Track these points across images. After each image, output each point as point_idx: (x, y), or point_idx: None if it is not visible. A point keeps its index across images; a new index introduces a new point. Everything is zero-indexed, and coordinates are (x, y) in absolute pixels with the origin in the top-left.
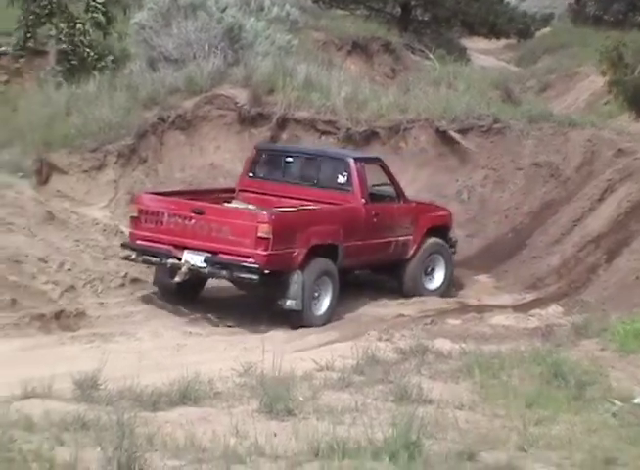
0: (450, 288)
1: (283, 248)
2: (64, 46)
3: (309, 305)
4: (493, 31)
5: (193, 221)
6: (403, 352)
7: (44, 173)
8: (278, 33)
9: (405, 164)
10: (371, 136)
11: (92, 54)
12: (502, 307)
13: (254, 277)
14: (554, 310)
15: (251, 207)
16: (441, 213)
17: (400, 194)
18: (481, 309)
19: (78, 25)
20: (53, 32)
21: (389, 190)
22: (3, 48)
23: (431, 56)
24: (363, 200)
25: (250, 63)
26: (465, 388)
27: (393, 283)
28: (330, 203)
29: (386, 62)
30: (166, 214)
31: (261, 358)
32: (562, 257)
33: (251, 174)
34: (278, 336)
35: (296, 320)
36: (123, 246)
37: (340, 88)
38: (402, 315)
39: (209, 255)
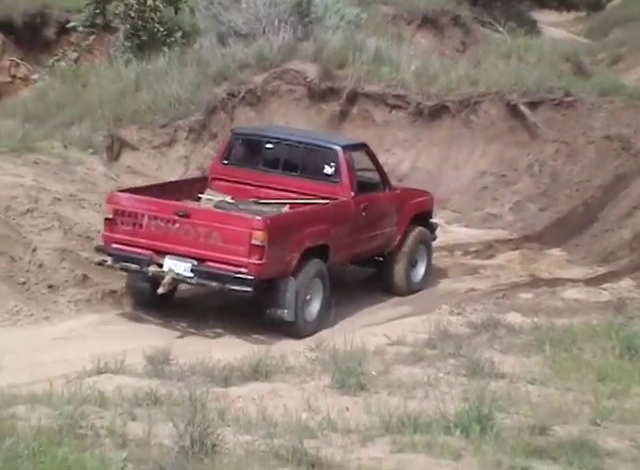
0: (428, 278)
1: (277, 255)
2: (133, 22)
3: (301, 314)
4: (563, 4)
5: (177, 225)
6: (475, 326)
7: (115, 149)
8: (347, 7)
9: (475, 139)
10: (441, 110)
11: (162, 30)
12: (574, 281)
13: (248, 289)
14: (626, 284)
15: (228, 199)
16: (424, 198)
17: (386, 182)
18: (553, 283)
19: (148, 1)
20: (123, 8)
21: (374, 176)
22: (73, 24)
23: (501, 29)
24: (352, 193)
25: (319, 37)
26: (537, 362)
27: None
28: (315, 195)
29: (455, 35)
30: (146, 217)
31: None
32: (633, 230)
33: (225, 161)
34: (349, 311)
35: (286, 330)
36: (98, 250)
37: (409, 62)
38: (474, 289)
39: (197, 263)
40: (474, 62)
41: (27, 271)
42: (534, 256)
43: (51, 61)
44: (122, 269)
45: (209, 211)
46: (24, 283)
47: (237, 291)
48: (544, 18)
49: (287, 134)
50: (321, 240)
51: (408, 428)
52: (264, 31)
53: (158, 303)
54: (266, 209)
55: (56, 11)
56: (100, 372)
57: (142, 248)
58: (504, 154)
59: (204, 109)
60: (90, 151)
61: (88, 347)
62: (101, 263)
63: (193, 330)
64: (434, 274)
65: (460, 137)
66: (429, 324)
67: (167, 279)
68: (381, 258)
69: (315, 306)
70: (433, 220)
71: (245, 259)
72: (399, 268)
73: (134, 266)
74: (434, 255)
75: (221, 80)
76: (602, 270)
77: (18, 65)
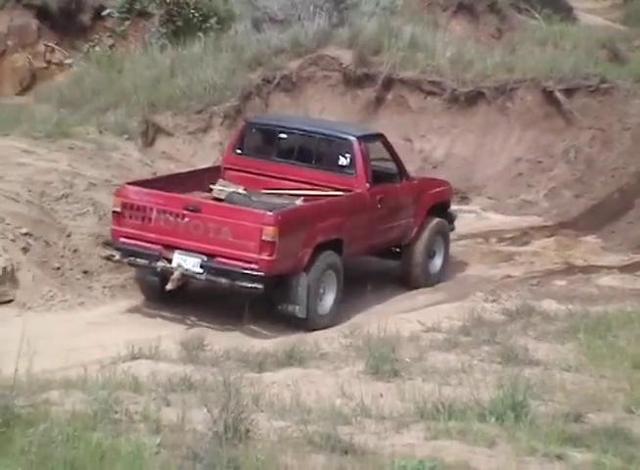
0: (446, 271)
1: (289, 250)
2: (169, 8)
3: (314, 308)
4: None
5: (187, 220)
6: (509, 313)
7: (150, 135)
8: None
9: (511, 125)
10: (477, 97)
11: (197, 15)
12: (609, 268)
13: (259, 286)
14: None
15: (240, 190)
16: (442, 188)
17: (403, 172)
18: (588, 270)
19: None
20: None
21: (391, 167)
22: (108, 10)
23: (537, 15)
24: (367, 184)
25: (355, 23)
26: (571, 349)
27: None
28: (329, 187)
29: (491, 22)
30: (155, 210)
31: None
32: None
33: (238, 151)
34: (384, 297)
35: (298, 325)
36: (105, 244)
37: (445, 49)
38: (509, 276)
39: (206, 259)
40: (509, 48)
41: (62, 257)
42: (569, 242)
43: (86, 46)
44: (130, 264)
45: (220, 206)
46: (59, 268)
47: (247, 288)
48: (580, 4)
49: (301, 124)
50: (335, 234)
51: (442, 415)
52: (299, 17)
53: (168, 297)
54: (279, 200)
55: None
56: (134, 358)
57: (151, 242)
58: (540, 140)
59: (238, 95)
60: (125, 136)
61: (122, 332)
62: (108, 258)
63: (221, 320)
64: (469, 261)
65: (495, 124)
66: (463, 311)
67: (176, 275)
68: (397, 249)
69: (329, 300)
70: (451, 210)
71: (255, 256)
72: (416, 260)
73: (142, 261)
74: (468, 242)
75: (256, 66)
76: (637, 257)
77: (53, 50)
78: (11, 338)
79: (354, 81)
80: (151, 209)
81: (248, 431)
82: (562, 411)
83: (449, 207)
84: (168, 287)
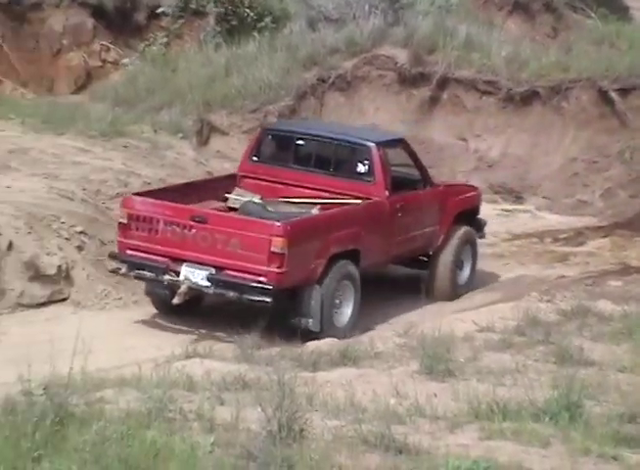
0: (474, 281)
1: (300, 262)
2: (224, 7)
3: (329, 320)
4: None
5: (194, 231)
6: (564, 313)
7: (204, 134)
8: None
9: (566, 125)
10: (532, 96)
11: (252, 14)
12: None
13: (267, 300)
14: None
15: (255, 199)
16: (470, 195)
17: (426, 179)
18: None
19: None
20: None
21: (413, 173)
22: (163, 9)
23: (592, 15)
24: (387, 192)
25: (410, 22)
26: (626, 350)
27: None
28: (348, 194)
29: (547, 21)
30: (162, 222)
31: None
32: None
33: (255, 158)
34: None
35: (313, 338)
36: (111, 257)
37: (500, 48)
38: (564, 276)
39: (214, 271)
40: (565, 48)
41: None
42: (624, 243)
43: (142, 45)
44: (137, 278)
45: (227, 217)
46: None
47: (255, 301)
48: (637, 4)
49: (318, 130)
50: (351, 244)
51: (497, 415)
52: (354, 16)
53: (180, 310)
54: (295, 209)
55: None
56: (189, 356)
57: (157, 255)
58: (595, 140)
59: (293, 94)
60: (180, 135)
61: (177, 331)
62: (114, 271)
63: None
64: (524, 261)
65: (551, 123)
66: (518, 311)
67: (183, 288)
68: (424, 259)
69: (346, 311)
70: (480, 217)
71: (264, 268)
72: (443, 270)
73: (149, 275)
74: (523, 242)
75: (311, 65)
76: None
77: (108, 49)
78: (66, 336)
79: (409, 81)
80: (157, 220)
81: (302, 430)
82: (617, 412)
83: (478, 213)
84: (175, 301)
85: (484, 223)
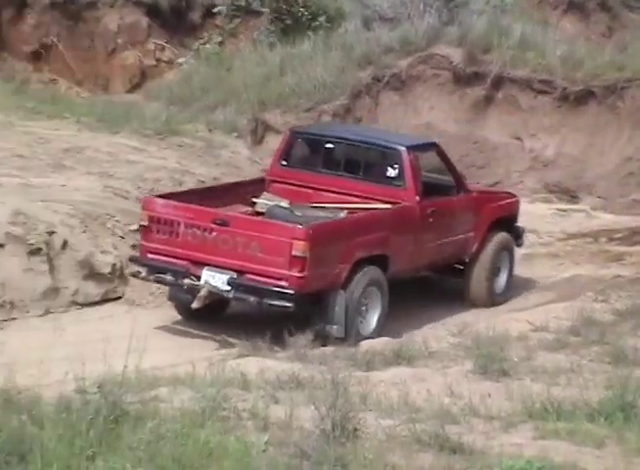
0: (511, 289)
1: (323, 267)
2: (278, 6)
3: (355, 327)
4: None
5: (214, 234)
6: (619, 313)
7: (259, 133)
8: None
9: (621, 125)
10: (587, 96)
11: (306, 13)
12: None
13: (288, 305)
14: None
15: (283, 203)
16: (507, 202)
17: (460, 184)
18: None
19: None
20: None
21: (446, 178)
22: (219, 8)
23: None
24: (417, 197)
25: (464, 21)
26: None
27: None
28: (378, 199)
29: (602, 20)
30: (182, 224)
31: None
32: None
33: (284, 162)
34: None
35: (337, 343)
36: (132, 261)
37: (555, 47)
38: (619, 276)
39: (234, 276)
40: (620, 47)
41: None
42: None
43: (196, 44)
44: (156, 282)
45: (248, 219)
46: None
47: (276, 306)
48: None
49: (348, 133)
50: (378, 249)
51: (551, 415)
52: (409, 15)
53: (203, 316)
54: (323, 214)
55: None
56: (243, 355)
57: (178, 258)
58: None
59: (348, 93)
60: (234, 134)
61: (231, 330)
62: (134, 275)
63: None
64: (578, 261)
65: (606, 123)
66: (572, 311)
67: (203, 293)
68: (461, 267)
69: (373, 318)
70: (518, 225)
71: (285, 272)
72: (478, 278)
73: (169, 278)
74: (578, 241)
75: (366, 64)
76: None
77: (163, 48)
78: (120, 335)
79: (464, 80)
80: (178, 222)
81: (355, 429)
82: None
83: (516, 221)
84: (194, 305)
85: (523, 231)
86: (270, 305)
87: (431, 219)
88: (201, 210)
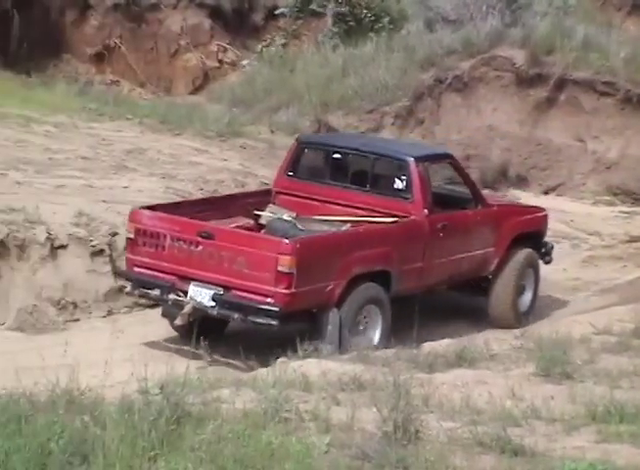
0: (535, 307)
1: (313, 283)
2: (341, 8)
3: (350, 347)
4: None
5: (200, 247)
6: None
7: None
8: None
9: None
10: None
11: (369, 15)
12: None
13: (273, 323)
14: None
15: (285, 216)
16: (532, 216)
17: (477, 197)
18: None
19: None
20: None
21: (462, 191)
22: (281, 10)
23: None
24: (426, 210)
25: (527, 23)
26: None
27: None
28: (385, 212)
29: None
30: (168, 237)
31: None
32: None
33: (290, 173)
34: (555, 299)
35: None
36: (117, 274)
37: (619, 49)
38: None
39: (219, 291)
40: None
41: None
42: None
43: (260, 46)
44: (141, 297)
45: (234, 232)
46: None
47: (260, 324)
48: None
49: (355, 143)
50: (378, 265)
51: (614, 418)
52: (472, 17)
53: (202, 333)
54: (327, 227)
55: None
56: (305, 356)
57: (164, 273)
58: None
59: (410, 95)
60: (297, 136)
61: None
62: (120, 289)
63: None
64: None
65: None
66: (635, 313)
67: (187, 309)
68: (484, 284)
69: (372, 338)
70: (546, 241)
71: (271, 288)
72: (501, 296)
73: (154, 294)
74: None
75: (428, 66)
76: None
77: (225, 50)
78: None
79: (526, 82)
80: (164, 235)
81: (417, 431)
82: None
83: (543, 236)
84: (177, 322)
85: (551, 247)
86: (254, 322)
87: (441, 234)
88: (186, 222)
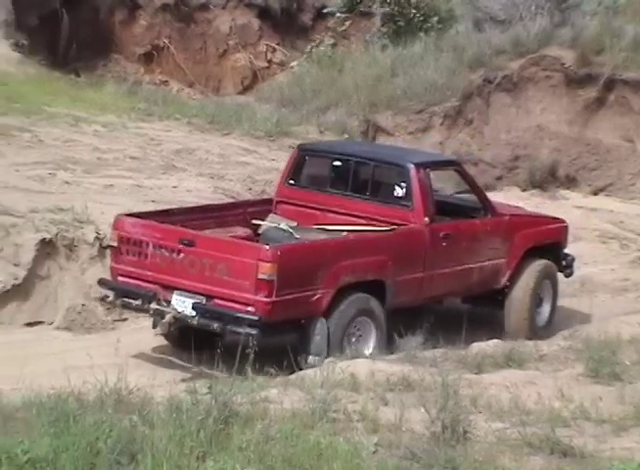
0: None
1: (296, 291)
2: (389, 8)
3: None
4: None
5: (182, 255)
6: None
7: (370, 135)
8: None
9: None
10: None
11: (418, 15)
12: None
13: (253, 332)
14: None
15: (283, 225)
16: (548, 227)
17: (486, 205)
18: None
19: None
20: None
21: (470, 199)
22: (330, 9)
23: None
24: (426, 218)
25: (576, 23)
26: None
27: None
28: (385, 221)
29: None
30: (151, 245)
31: None
32: None
33: (291, 181)
34: (604, 300)
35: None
36: (100, 283)
37: None
38: None
39: (201, 300)
40: None
41: None
42: None
43: (309, 46)
44: (124, 307)
45: (214, 239)
46: None
47: (240, 334)
48: None
49: (355, 150)
50: (371, 275)
51: None
52: (521, 17)
53: (195, 346)
54: (326, 236)
55: None
56: (353, 357)
57: (147, 281)
58: None
59: (459, 95)
60: (345, 136)
61: None
62: (103, 299)
63: None
64: None
65: None
66: None
67: (167, 318)
68: (499, 297)
69: (364, 352)
70: (567, 252)
71: (251, 297)
72: (516, 309)
73: (135, 303)
74: None
75: (477, 66)
76: None
77: (274, 50)
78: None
79: (576, 82)
80: (147, 243)
81: (465, 432)
82: None
83: (562, 248)
84: (157, 331)
85: (572, 259)
86: (234, 332)
87: (444, 243)
88: (167, 228)
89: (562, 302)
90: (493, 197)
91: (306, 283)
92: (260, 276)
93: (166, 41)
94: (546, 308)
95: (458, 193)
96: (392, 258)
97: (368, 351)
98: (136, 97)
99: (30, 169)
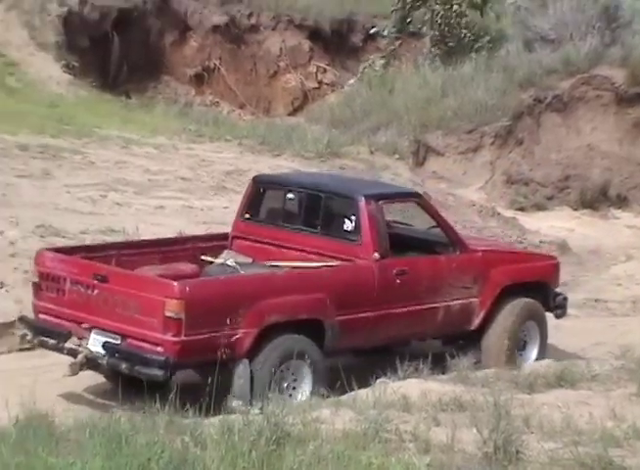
0: None
1: (211, 330)
2: (440, 28)
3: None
4: None
5: (96, 291)
6: None
7: (420, 155)
8: None
9: None
10: None
11: (469, 35)
12: None
13: (158, 373)
14: None
15: (229, 262)
16: (532, 264)
17: (455, 241)
18: None
19: (454, 7)
20: (429, 15)
21: (436, 234)
22: (377, 30)
23: None
24: (376, 254)
25: (627, 42)
26: None
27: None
28: (335, 257)
29: None
30: (68, 281)
31: None
32: None
33: (247, 215)
34: None
35: None
36: (20, 320)
37: None
38: None
39: (112, 339)
40: None
41: None
42: None
43: (361, 67)
44: (41, 345)
45: (124, 274)
46: None
47: (146, 375)
48: None
49: (309, 181)
50: (304, 313)
51: None
52: (571, 37)
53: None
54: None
55: (362, 17)
56: (405, 377)
57: (65, 319)
58: None
59: (510, 114)
60: (396, 156)
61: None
62: (23, 337)
63: None
64: None
65: None
66: None
67: (79, 358)
68: (475, 338)
69: (298, 396)
70: (558, 292)
71: (159, 336)
72: (492, 352)
73: (52, 342)
74: None
75: (527, 86)
76: None
77: (325, 70)
78: None
79: (627, 101)
80: (64, 278)
81: (518, 452)
82: None
83: (550, 287)
84: (66, 373)
85: (564, 298)
86: (140, 373)
87: (398, 281)
88: (83, 263)
89: (613, 321)
90: (544, 217)
91: (223, 321)
92: (168, 314)
93: (217, 63)
94: (531, 351)
95: (432, 228)
96: (332, 295)
97: (302, 396)
98: (187, 118)
99: (81, 191)
